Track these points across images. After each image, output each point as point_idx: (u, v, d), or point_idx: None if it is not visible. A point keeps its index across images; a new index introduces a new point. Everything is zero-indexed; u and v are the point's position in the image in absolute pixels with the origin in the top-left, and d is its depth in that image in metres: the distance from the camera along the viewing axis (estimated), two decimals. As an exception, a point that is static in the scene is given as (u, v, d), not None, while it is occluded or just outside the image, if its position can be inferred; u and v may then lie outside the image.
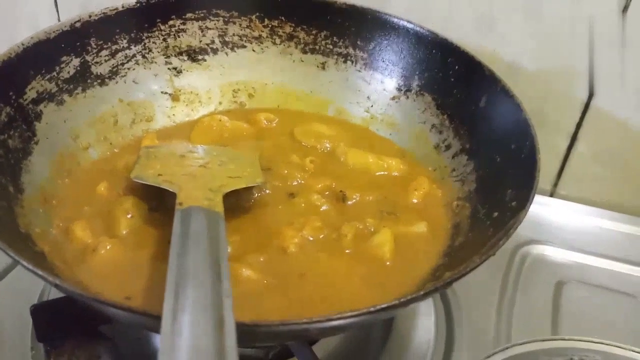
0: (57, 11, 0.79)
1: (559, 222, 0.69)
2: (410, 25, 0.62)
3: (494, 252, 0.39)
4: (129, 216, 0.49)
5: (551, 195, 0.74)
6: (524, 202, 0.42)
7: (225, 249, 0.38)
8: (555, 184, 0.73)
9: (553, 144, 0.71)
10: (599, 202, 0.72)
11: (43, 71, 0.53)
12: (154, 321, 0.32)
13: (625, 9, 0.61)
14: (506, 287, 0.60)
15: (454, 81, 0.59)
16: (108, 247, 0.46)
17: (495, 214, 0.47)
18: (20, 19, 0.80)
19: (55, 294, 0.53)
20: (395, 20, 0.63)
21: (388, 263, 0.47)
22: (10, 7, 0.80)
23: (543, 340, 0.51)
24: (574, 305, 0.59)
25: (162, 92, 0.63)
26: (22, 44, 0.52)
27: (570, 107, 0.68)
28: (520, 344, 0.50)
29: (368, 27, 0.64)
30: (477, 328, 0.56)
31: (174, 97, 0.64)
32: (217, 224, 0.41)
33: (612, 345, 0.49)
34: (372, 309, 0.33)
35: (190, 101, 0.64)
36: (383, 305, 0.33)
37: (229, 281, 0.34)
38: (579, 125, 0.69)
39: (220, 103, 0.66)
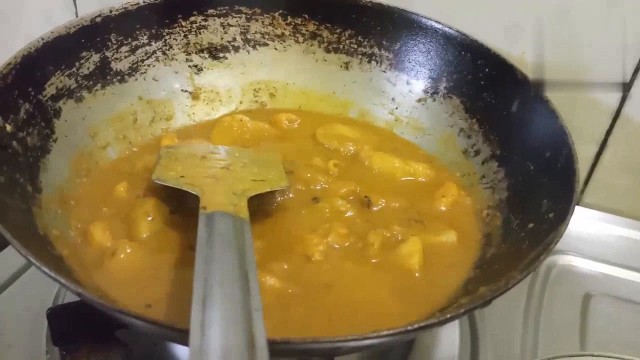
0: (75, 6, 0.77)
1: (585, 232, 0.67)
2: (438, 26, 0.60)
3: (535, 268, 0.37)
4: (149, 219, 0.47)
5: (577, 204, 0.72)
6: (564, 214, 0.41)
7: (253, 258, 0.36)
8: (582, 192, 0.71)
9: (581, 151, 0.67)
10: (627, 211, 0.70)
11: (62, 67, 0.52)
12: (180, 335, 0.30)
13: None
14: (532, 298, 0.59)
15: (484, 84, 0.58)
16: (128, 251, 0.44)
17: (531, 225, 0.45)
18: (37, 14, 0.79)
19: (70, 297, 0.52)
20: (423, 19, 0.61)
21: (417, 274, 0.46)
22: (27, 2, 0.79)
23: (571, 356, 0.49)
24: (603, 319, 0.57)
25: (182, 90, 0.61)
26: (42, 39, 0.50)
27: (600, 114, 0.66)
28: (548, 359, 0.49)
29: (394, 27, 0.62)
30: (503, 342, 0.54)
31: (194, 96, 0.62)
32: (243, 231, 0.39)
33: (642, 362, 0.48)
34: (409, 328, 0.31)
35: (210, 100, 0.63)
36: (421, 324, 0.32)
37: (258, 293, 0.33)
38: (608, 133, 0.67)
39: (241, 102, 0.64)
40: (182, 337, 0.29)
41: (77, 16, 0.78)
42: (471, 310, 0.34)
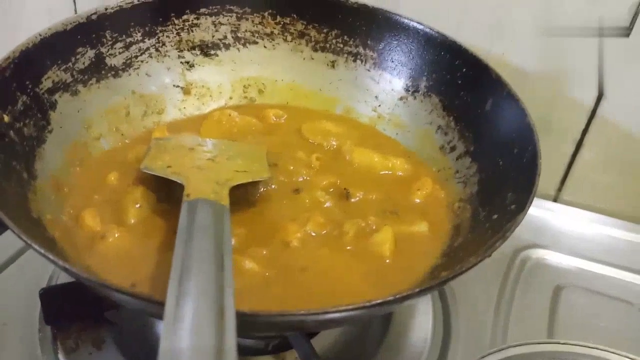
0: (74, 2, 0.80)
1: (561, 228, 0.70)
2: (420, 27, 0.63)
3: (490, 254, 0.39)
4: (137, 206, 0.50)
5: (555, 201, 0.74)
6: (523, 205, 0.43)
7: (229, 240, 0.39)
8: (559, 189, 0.74)
9: (558, 150, 0.71)
10: (603, 208, 0.72)
11: (59, 61, 0.55)
12: (157, 307, 0.33)
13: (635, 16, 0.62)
14: (505, 289, 0.61)
15: (461, 83, 0.60)
16: (116, 235, 0.47)
17: (495, 216, 0.47)
18: (37, 11, 0.82)
19: (63, 279, 0.55)
20: (406, 21, 0.63)
21: (388, 261, 0.48)
22: (28, 0, 0.82)
23: (538, 343, 0.52)
24: (571, 310, 0.60)
25: (174, 86, 0.64)
26: (40, 35, 0.53)
27: (576, 113, 0.69)
28: (516, 346, 0.51)
29: (378, 27, 0.65)
30: (474, 328, 0.56)
31: (186, 91, 0.65)
32: (223, 216, 0.42)
33: (606, 351, 0.50)
34: (367, 304, 0.34)
35: (201, 95, 0.65)
36: (378, 301, 0.34)
37: (231, 272, 0.35)
38: (584, 132, 0.70)
39: (230, 98, 0.67)
40: (159, 309, 0.32)
41: (76, 13, 0.81)
42: (427, 290, 0.37)
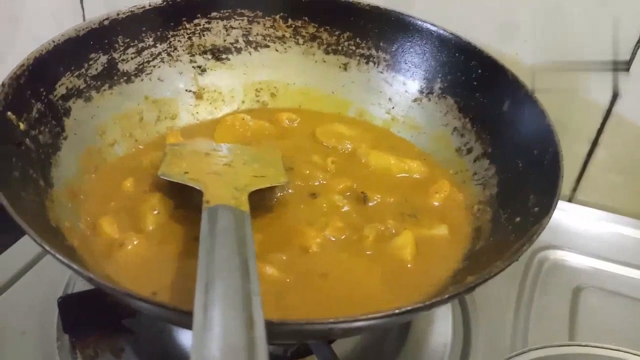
0: (83, 9, 0.80)
1: (577, 228, 0.69)
2: (433, 28, 0.62)
3: (517, 258, 0.39)
4: (155, 212, 0.49)
5: (570, 201, 0.74)
6: (547, 208, 0.43)
7: (253, 247, 0.38)
8: (575, 189, 0.74)
9: (573, 149, 0.71)
10: (618, 208, 0.72)
11: (72, 68, 0.54)
12: (184, 317, 0.32)
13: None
14: (523, 291, 0.61)
15: (477, 85, 0.60)
16: (135, 243, 0.47)
17: (518, 219, 0.47)
18: (46, 18, 0.81)
19: (80, 286, 0.54)
20: (419, 22, 0.63)
21: (409, 265, 0.48)
22: (35, 6, 0.82)
23: (560, 346, 0.51)
24: (591, 312, 0.59)
25: (186, 90, 0.64)
26: (53, 41, 0.53)
27: (591, 113, 0.69)
28: (537, 349, 0.51)
29: (391, 29, 0.65)
30: (494, 332, 0.56)
31: (198, 96, 0.64)
32: (244, 222, 0.41)
33: (629, 353, 0.50)
34: (396, 311, 0.34)
35: (213, 99, 0.65)
36: (408, 308, 0.34)
37: (257, 279, 0.35)
38: (599, 131, 0.69)
39: (242, 102, 0.67)
40: (186, 318, 0.32)
41: (84, 19, 0.81)
42: (455, 296, 0.36)
